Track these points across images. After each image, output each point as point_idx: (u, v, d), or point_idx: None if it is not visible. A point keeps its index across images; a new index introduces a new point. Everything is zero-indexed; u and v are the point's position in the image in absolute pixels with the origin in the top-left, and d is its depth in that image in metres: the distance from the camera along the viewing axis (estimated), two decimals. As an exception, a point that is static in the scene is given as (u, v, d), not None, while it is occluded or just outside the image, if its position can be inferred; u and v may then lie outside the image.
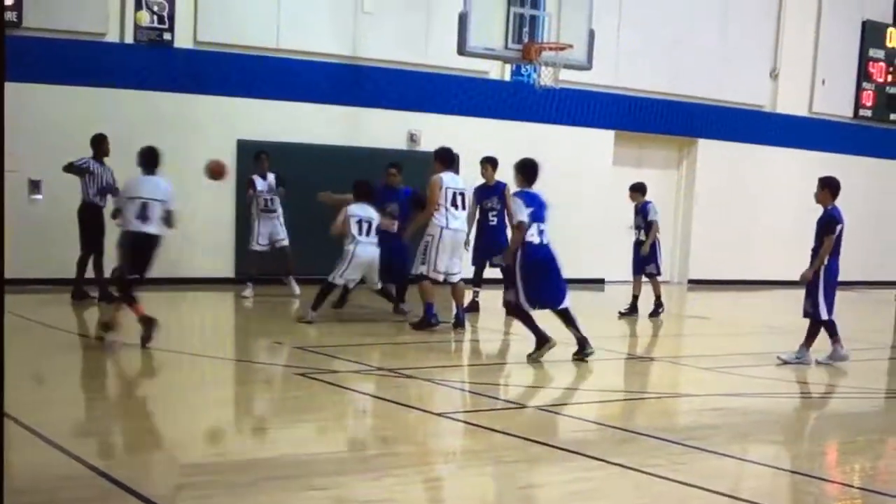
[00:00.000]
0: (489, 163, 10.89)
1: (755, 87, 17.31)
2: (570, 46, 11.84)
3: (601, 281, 15.44)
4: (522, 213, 7.81)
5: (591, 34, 12.21)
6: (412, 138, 14.34)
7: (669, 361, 9.16)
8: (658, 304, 11.37)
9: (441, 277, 9.26)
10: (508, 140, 14.52)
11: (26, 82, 10.80)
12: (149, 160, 8.09)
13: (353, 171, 13.66)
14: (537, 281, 7.81)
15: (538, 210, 7.95)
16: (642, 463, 4.91)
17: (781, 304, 15.20)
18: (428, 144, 14.40)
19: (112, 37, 12.24)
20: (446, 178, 9.34)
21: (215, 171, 8.71)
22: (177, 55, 12.55)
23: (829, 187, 8.33)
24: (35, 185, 11.66)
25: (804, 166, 17.67)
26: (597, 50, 12.42)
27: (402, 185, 10.73)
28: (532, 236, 7.82)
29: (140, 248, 7.79)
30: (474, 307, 10.82)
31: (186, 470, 4.68)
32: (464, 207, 9.41)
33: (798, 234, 17.35)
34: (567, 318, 7.98)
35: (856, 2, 18.12)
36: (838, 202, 8.41)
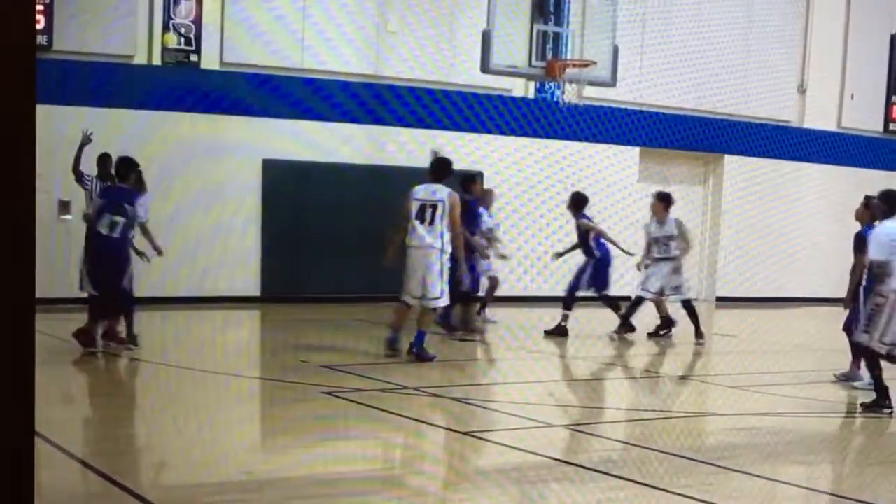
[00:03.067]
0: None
1: (782, 101, 17.17)
2: (594, 63, 11.82)
3: (628, 299, 15.31)
4: None
5: (615, 51, 12.18)
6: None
7: (697, 380, 9.05)
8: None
9: (409, 300, 8.55)
10: (533, 158, 14.54)
11: (56, 104, 10.97)
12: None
13: (378, 189, 13.80)
14: None
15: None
16: (671, 483, 4.84)
17: (810, 322, 15.02)
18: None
19: (140, 59, 12.41)
20: (417, 189, 8.54)
21: None
22: (203, 76, 12.69)
23: (869, 207, 8.01)
24: (65, 206, 11.81)
25: (833, 182, 17.50)
26: (621, 66, 12.38)
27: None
28: None
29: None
30: (560, 331, 10.74)
31: (213, 488, 4.67)
32: (431, 221, 8.37)
33: (828, 250, 17.29)
34: None
35: (884, 15, 17.95)
36: None
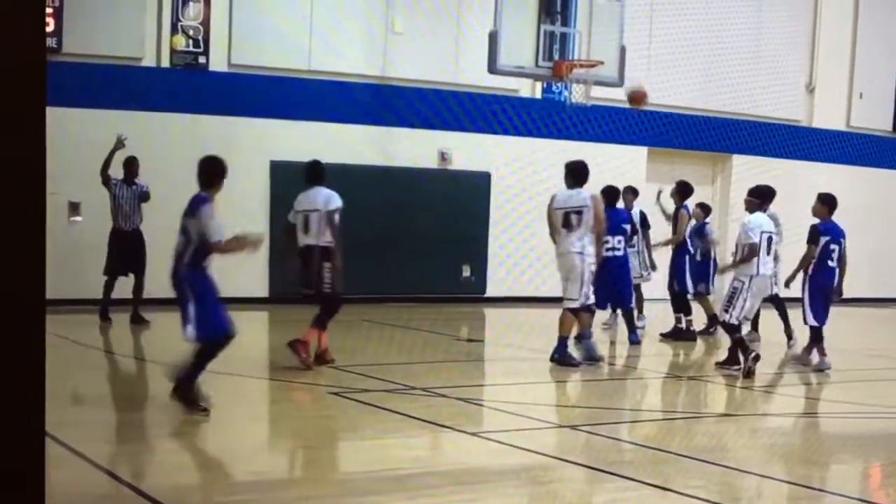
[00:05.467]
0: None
1: (791, 101, 17.12)
2: (601, 63, 11.81)
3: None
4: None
5: (623, 50, 12.17)
6: (443, 157, 14.38)
7: (707, 380, 9.03)
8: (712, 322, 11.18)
9: (571, 305, 8.57)
10: (540, 158, 14.53)
11: (66, 107, 11.00)
12: (310, 173, 8.49)
13: (385, 190, 13.83)
14: None
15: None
16: (681, 484, 4.83)
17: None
18: (459, 163, 14.45)
19: (148, 61, 12.45)
20: (558, 198, 8.61)
21: (635, 99, 10.36)
22: (211, 78, 12.73)
23: (825, 203, 9.05)
24: (75, 208, 11.86)
25: (842, 181, 17.41)
26: (628, 66, 12.37)
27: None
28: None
29: (305, 261, 8.09)
30: (676, 333, 10.77)
31: (222, 489, 4.69)
32: (578, 226, 8.38)
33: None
34: None
35: (892, 13, 17.88)
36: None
